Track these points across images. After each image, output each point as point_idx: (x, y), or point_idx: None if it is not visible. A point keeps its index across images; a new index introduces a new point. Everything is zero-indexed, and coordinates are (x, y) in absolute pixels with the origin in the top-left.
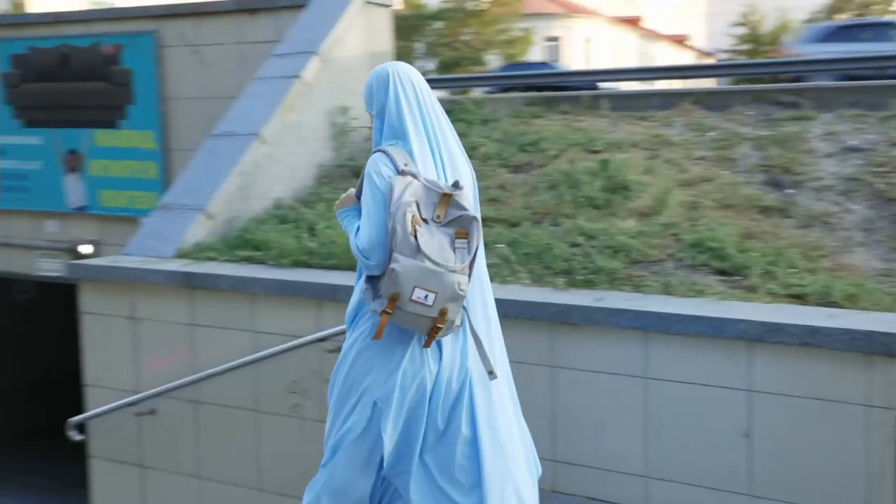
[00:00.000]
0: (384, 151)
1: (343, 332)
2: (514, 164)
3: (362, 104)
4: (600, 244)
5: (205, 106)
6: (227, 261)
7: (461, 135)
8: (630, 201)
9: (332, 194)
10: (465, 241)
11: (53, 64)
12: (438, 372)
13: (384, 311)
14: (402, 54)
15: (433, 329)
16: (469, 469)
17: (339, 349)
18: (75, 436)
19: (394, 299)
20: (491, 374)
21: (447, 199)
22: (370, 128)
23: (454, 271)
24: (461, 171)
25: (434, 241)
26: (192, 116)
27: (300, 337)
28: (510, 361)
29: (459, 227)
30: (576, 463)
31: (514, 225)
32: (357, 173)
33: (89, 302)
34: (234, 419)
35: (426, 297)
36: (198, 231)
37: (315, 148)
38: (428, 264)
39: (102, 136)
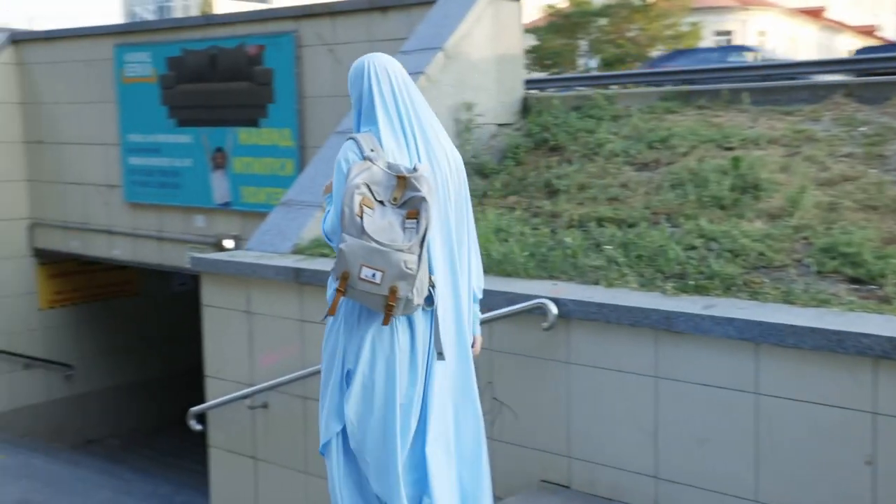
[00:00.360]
0: (353, 139)
1: None
2: (640, 162)
3: (489, 101)
4: (719, 247)
5: (338, 104)
6: None
7: (587, 132)
8: (760, 202)
9: None
10: (415, 221)
11: (203, 65)
12: (412, 349)
13: (337, 290)
14: (565, 52)
15: (387, 307)
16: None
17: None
18: (195, 425)
19: (345, 278)
20: (440, 354)
21: (404, 181)
22: (499, 125)
23: (401, 250)
24: (436, 155)
25: (384, 222)
26: (327, 114)
27: None
28: (607, 369)
29: (411, 208)
30: (679, 482)
31: (631, 225)
32: (480, 170)
33: (209, 294)
34: None
35: (374, 275)
36: (315, 228)
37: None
38: (372, 244)
39: (245, 135)
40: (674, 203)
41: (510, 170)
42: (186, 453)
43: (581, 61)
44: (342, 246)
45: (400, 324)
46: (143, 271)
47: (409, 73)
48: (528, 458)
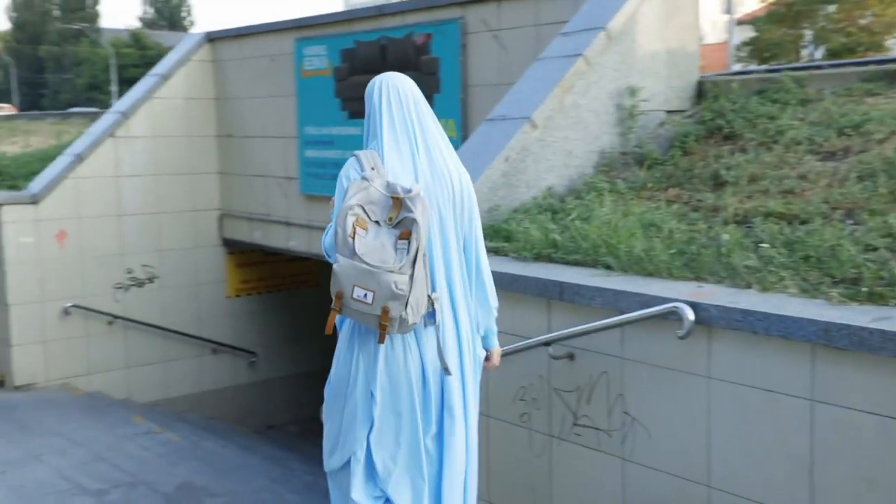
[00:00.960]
0: (356, 155)
1: (571, 336)
2: (826, 151)
3: (655, 84)
4: None
5: (502, 92)
6: None
7: (769, 118)
8: None
9: (610, 184)
10: (406, 241)
11: (374, 56)
12: (422, 366)
13: (332, 308)
14: (786, 43)
15: (381, 326)
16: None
17: (566, 355)
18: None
19: (339, 297)
20: (446, 370)
21: (399, 202)
22: (668, 111)
23: (391, 271)
24: (440, 175)
25: (376, 243)
26: (490, 103)
27: (530, 338)
28: (754, 388)
29: (403, 229)
30: None
31: (804, 222)
32: (642, 161)
33: None
34: None
35: (365, 295)
36: None
37: (596, 133)
38: (363, 265)
39: None
40: (859, 196)
41: (675, 160)
42: None
43: (805, 52)
44: (335, 266)
45: (406, 341)
46: (322, 263)
47: (567, 56)
48: (661, 484)
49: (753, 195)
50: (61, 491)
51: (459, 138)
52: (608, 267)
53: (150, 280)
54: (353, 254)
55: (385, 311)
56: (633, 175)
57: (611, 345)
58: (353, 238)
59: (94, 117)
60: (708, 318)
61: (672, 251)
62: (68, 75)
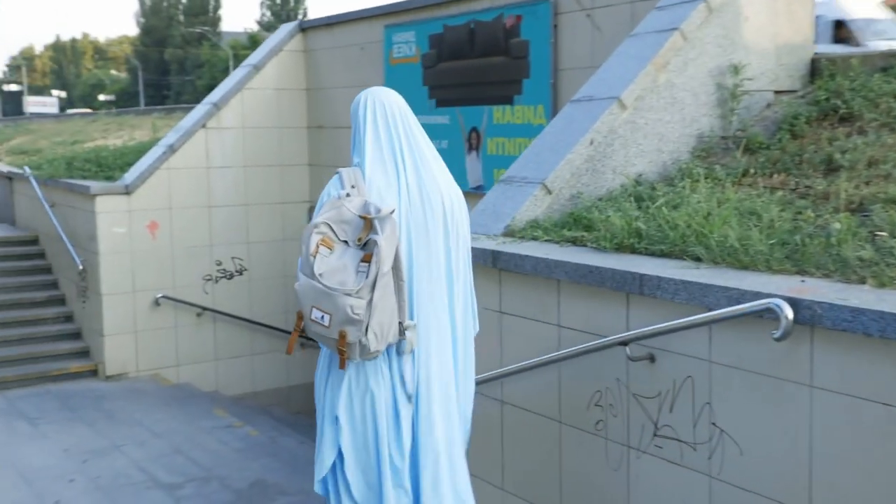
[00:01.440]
0: (339, 173)
1: (651, 335)
2: None
3: (762, 62)
4: None
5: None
6: (548, 241)
7: (894, 97)
8: None
9: (707, 170)
10: (368, 264)
11: (462, 41)
12: (394, 397)
13: (294, 328)
14: None
15: (339, 351)
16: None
17: (646, 357)
18: None
19: (300, 317)
20: (409, 398)
21: (369, 223)
22: (776, 91)
23: (348, 294)
24: (427, 192)
25: (338, 263)
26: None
27: (604, 337)
28: (867, 400)
29: (368, 251)
30: None
31: None
32: (746, 145)
33: None
34: (536, 427)
35: (322, 317)
36: (533, 207)
37: (693, 115)
38: (320, 285)
39: (499, 113)
40: None
41: (783, 144)
42: None
43: None
44: (296, 285)
45: (378, 368)
46: None
47: (661, 31)
48: None
49: (872, 180)
50: (135, 483)
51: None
52: (697, 259)
53: (240, 272)
54: (312, 273)
55: (342, 335)
56: (733, 161)
57: (697, 346)
58: (315, 257)
59: None
60: (810, 317)
61: (772, 241)
62: (190, 77)
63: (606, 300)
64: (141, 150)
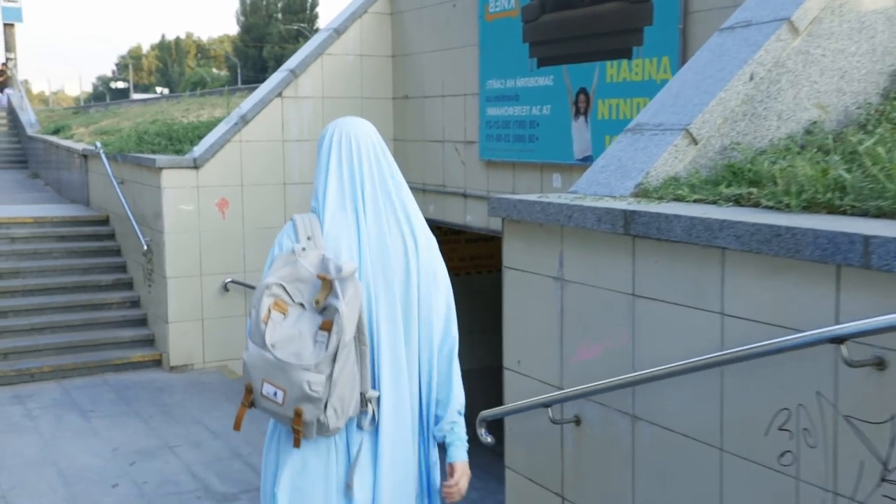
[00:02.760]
0: (293, 220)
1: (881, 330)
2: None
3: None
4: None
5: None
6: (698, 201)
7: None
8: None
9: None
10: (327, 334)
11: None
12: (346, 477)
13: (242, 402)
14: None
15: (294, 430)
16: None
17: (872, 362)
18: (485, 437)
19: (249, 391)
20: (348, 487)
21: (329, 283)
22: None
23: (306, 368)
24: (391, 243)
25: (293, 331)
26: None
27: (796, 330)
28: None
29: (326, 318)
30: None
31: None
32: None
33: (512, 253)
34: (685, 455)
35: (275, 393)
36: (672, 161)
37: (888, 46)
38: (272, 357)
39: (613, 70)
40: None
41: None
42: None
43: None
44: (244, 355)
45: (333, 444)
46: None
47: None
48: None
49: None
50: (184, 493)
51: None
52: None
53: None
54: (263, 343)
55: (297, 413)
56: None
57: None
58: (266, 323)
59: None
60: None
61: None
62: None
63: (802, 277)
64: (213, 124)
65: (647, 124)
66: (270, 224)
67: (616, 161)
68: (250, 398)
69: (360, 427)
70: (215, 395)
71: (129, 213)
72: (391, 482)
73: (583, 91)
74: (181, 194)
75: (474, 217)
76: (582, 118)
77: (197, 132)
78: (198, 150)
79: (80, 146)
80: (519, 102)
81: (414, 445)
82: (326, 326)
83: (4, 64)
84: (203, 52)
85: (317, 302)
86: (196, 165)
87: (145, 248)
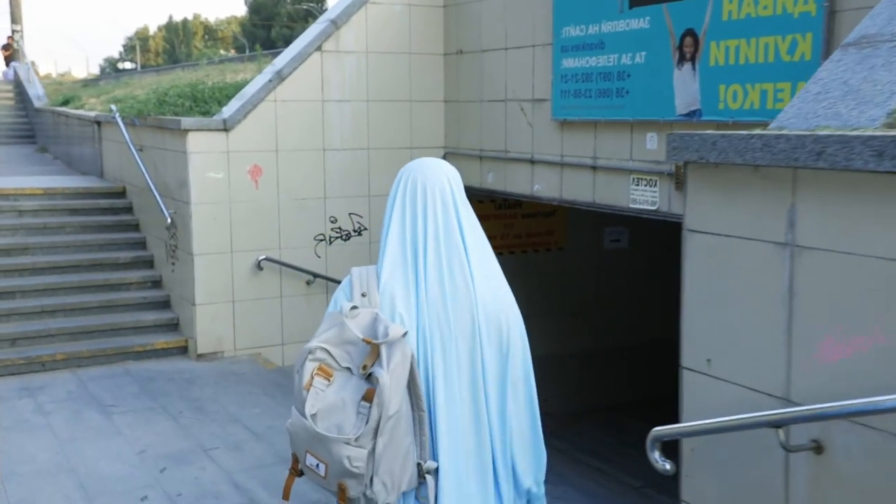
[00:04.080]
0: (350, 274)
1: None
2: None
3: None
4: None
5: None
6: None
7: None
8: None
9: None
10: (369, 405)
11: None
12: None
13: (290, 469)
14: None
15: None
16: None
17: None
18: (661, 462)
19: (296, 460)
20: None
21: (375, 348)
22: None
23: (346, 443)
24: (458, 298)
25: (336, 399)
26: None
27: None
28: None
29: (370, 387)
30: None
31: None
32: None
33: (700, 211)
34: None
35: (318, 466)
36: None
37: None
38: (313, 428)
39: (733, 5)
40: None
41: None
42: (610, 453)
43: None
44: (287, 424)
45: None
46: (571, 219)
47: None
48: None
49: None
50: None
51: (822, 15)
52: None
53: (358, 232)
54: (303, 412)
55: (341, 488)
56: None
57: None
58: (308, 391)
59: None
60: None
61: None
62: None
63: None
64: (243, 85)
65: (880, 35)
66: (308, 194)
67: (841, 85)
68: (297, 467)
69: (417, 500)
70: (251, 387)
71: (150, 182)
72: None
73: (689, 33)
74: (209, 160)
75: (545, 185)
76: (688, 65)
77: (225, 93)
78: (227, 110)
79: (92, 114)
80: (605, 51)
81: None
82: (369, 397)
83: (10, 37)
84: (210, 33)
85: (363, 367)
86: (226, 128)
87: (169, 221)
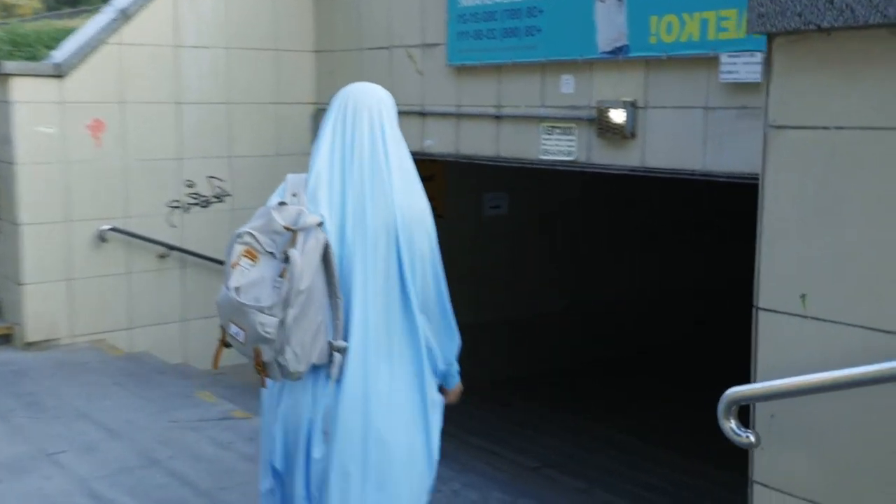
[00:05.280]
0: (286, 179)
1: None
2: None
3: None
4: None
5: None
6: None
7: None
8: None
9: None
10: (282, 280)
11: None
12: (310, 425)
13: (219, 340)
14: None
15: (257, 370)
16: None
17: None
18: (739, 432)
19: (224, 332)
20: (325, 433)
21: (295, 235)
22: None
23: (261, 311)
24: (377, 202)
25: (256, 277)
26: None
27: None
28: None
29: (285, 266)
30: None
31: None
32: None
33: (797, 98)
34: None
35: (238, 333)
36: None
37: None
38: (235, 300)
39: None
40: None
41: None
42: (501, 433)
43: None
44: (217, 298)
45: (305, 389)
46: (452, 184)
47: None
48: None
49: None
50: None
51: None
52: None
53: (219, 199)
54: (228, 286)
55: (256, 353)
56: None
57: None
58: (235, 269)
59: None
60: None
61: None
62: None
63: None
64: (75, 30)
65: None
66: (161, 154)
67: None
68: (225, 338)
69: (327, 377)
70: (99, 377)
71: None
72: (359, 435)
73: None
74: (39, 112)
75: (437, 140)
76: None
77: (54, 37)
78: (60, 54)
79: None
80: None
81: (390, 401)
82: (285, 274)
83: None
84: None
85: (284, 252)
86: (59, 74)
87: None
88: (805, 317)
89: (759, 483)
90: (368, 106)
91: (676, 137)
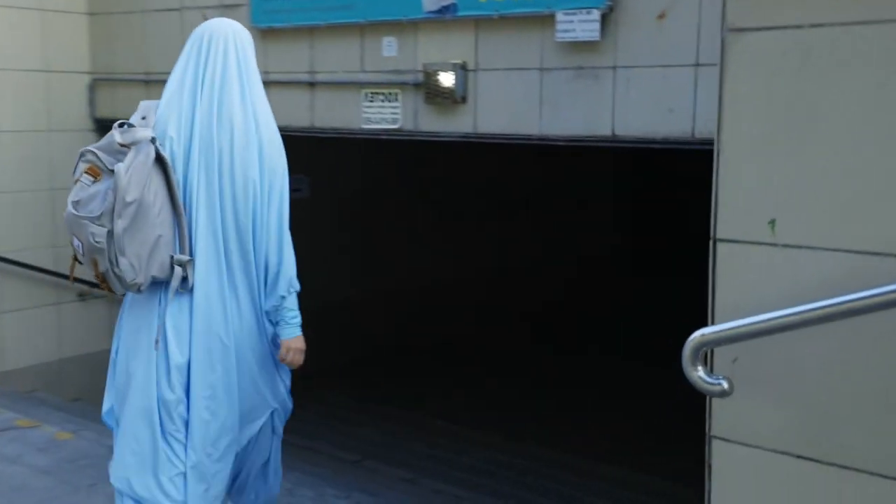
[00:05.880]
0: (139, 104)
1: None
2: None
3: None
4: None
5: None
6: None
7: None
8: None
9: None
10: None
11: None
12: (164, 337)
13: (72, 257)
14: None
15: (97, 281)
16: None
17: None
18: (710, 380)
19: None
20: (156, 342)
21: (128, 150)
22: None
23: (91, 222)
24: (222, 128)
25: (94, 191)
26: None
27: None
28: None
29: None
30: None
31: None
32: None
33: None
34: None
35: (78, 246)
36: None
37: None
38: (73, 213)
39: None
40: None
41: None
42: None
43: None
44: (64, 213)
45: (150, 302)
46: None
47: None
48: None
49: None
50: None
51: None
52: None
53: None
54: (68, 201)
55: (94, 263)
56: None
57: None
58: (76, 185)
59: None
60: None
61: None
62: None
63: None
64: None
65: None
66: None
67: None
68: (77, 254)
69: (179, 291)
70: None
71: None
72: (204, 345)
73: None
74: None
75: None
76: None
77: None
78: None
79: None
80: None
81: (238, 314)
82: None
83: None
84: None
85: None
86: None
87: None
88: (774, 244)
89: (718, 438)
90: (224, 35)
91: (511, 101)
